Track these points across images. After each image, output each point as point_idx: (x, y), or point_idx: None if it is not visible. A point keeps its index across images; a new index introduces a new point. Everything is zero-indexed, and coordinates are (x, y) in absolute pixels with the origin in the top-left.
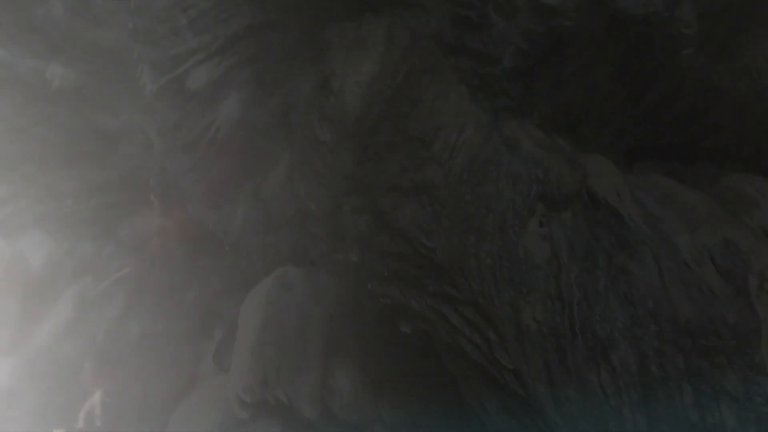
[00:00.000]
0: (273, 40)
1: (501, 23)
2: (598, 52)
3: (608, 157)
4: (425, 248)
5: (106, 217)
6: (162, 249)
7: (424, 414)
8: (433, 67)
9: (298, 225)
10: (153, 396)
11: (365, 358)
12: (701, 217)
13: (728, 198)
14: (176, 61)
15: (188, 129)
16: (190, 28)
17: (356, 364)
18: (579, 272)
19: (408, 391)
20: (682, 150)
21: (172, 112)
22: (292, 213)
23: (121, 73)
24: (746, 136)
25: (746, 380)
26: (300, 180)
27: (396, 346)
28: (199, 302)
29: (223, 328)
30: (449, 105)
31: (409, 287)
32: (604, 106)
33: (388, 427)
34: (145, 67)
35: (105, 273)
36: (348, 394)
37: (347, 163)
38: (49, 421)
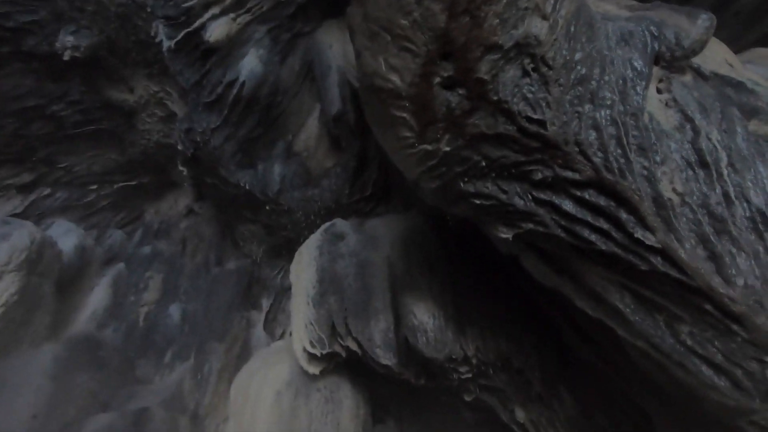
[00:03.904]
0: None
1: None
2: None
3: None
4: (532, 123)
5: (130, 202)
6: (192, 230)
7: (517, 350)
8: None
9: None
10: (207, 367)
11: (443, 288)
12: None
13: None
14: (191, 15)
15: (211, 86)
16: None
17: (435, 297)
18: (719, 135)
19: (499, 323)
20: None
21: (193, 71)
22: (331, 164)
23: (134, 38)
24: None
25: None
26: (378, 54)
27: (483, 267)
28: (241, 273)
29: (269, 297)
30: None
31: (511, 180)
32: None
33: (475, 368)
34: (159, 23)
35: (137, 259)
36: (432, 329)
37: (438, 15)
38: (96, 406)
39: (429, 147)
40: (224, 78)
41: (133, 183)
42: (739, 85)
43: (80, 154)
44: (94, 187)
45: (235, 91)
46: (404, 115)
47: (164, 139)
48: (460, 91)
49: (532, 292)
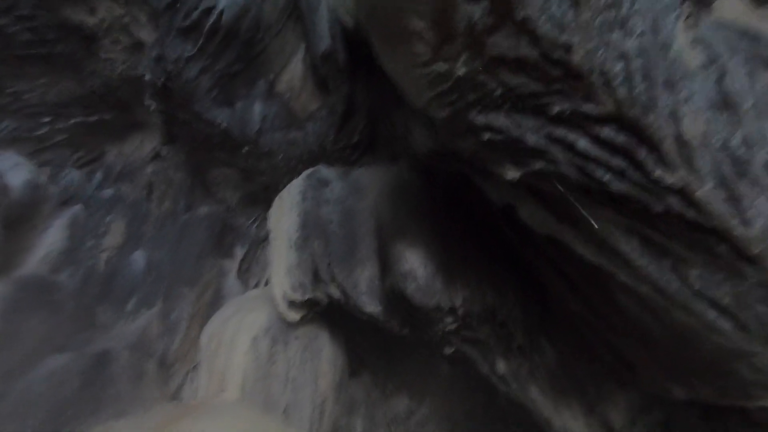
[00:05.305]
0: None
1: None
2: None
3: None
4: (558, 48)
5: (90, 140)
6: (159, 176)
7: (501, 303)
8: None
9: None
10: (177, 313)
11: (433, 238)
12: None
13: None
14: None
15: (186, 11)
16: None
17: (426, 245)
18: (744, 78)
19: (486, 276)
20: None
21: None
22: (317, 107)
23: None
24: None
25: None
26: None
27: (471, 220)
28: (213, 219)
29: (244, 246)
30: None
31: (526, 113)
32: None
33: (460, 319)
34: None
35: (97, 201)
36: (423, 277)
37: None
38: (51, 348)
39: (444, 67)
40: (201, 4)
41: (93, 119)
42: (755, 37)
43: (31, 80)
44: (48, 119)
45: (212, 19)
46: (421, 25)
47: (130, 71)
48: (484, 4)
49: (520, 245)
